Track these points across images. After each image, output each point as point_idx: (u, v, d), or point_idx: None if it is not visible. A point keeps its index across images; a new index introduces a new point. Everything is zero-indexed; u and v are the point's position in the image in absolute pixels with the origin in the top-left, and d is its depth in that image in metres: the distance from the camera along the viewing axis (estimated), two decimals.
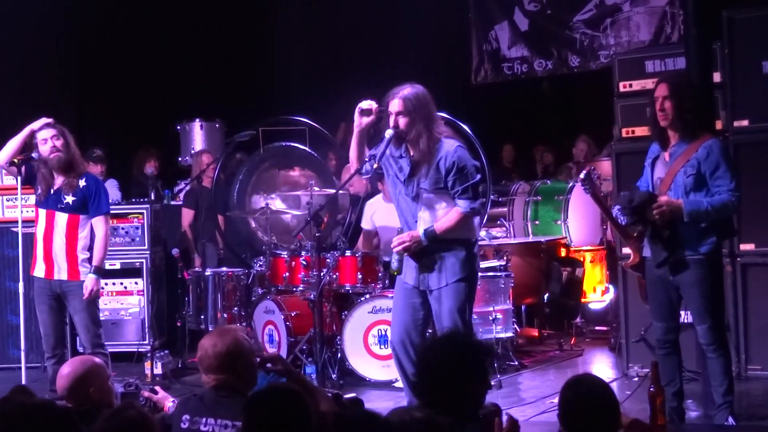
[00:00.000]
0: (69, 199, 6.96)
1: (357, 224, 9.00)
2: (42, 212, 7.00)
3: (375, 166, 5.93)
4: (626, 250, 6.75)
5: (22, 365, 7.00)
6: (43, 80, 11.26)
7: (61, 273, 6.97)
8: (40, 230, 7.01)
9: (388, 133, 5.88)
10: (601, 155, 10.54)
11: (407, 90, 5.89)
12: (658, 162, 6.03)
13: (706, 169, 5.78)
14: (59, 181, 6.96)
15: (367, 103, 5.94)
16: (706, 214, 5.76)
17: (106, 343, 7.27)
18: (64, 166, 6.94)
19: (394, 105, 5.89)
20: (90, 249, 7.03)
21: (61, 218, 6.96)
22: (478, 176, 5.99)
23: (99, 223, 7.00)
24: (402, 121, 5.88)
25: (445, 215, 5.92)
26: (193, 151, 10.48)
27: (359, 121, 5.94)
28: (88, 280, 6.91)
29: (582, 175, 6.18)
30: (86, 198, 6.98)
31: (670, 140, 5.93)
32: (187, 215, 9.87)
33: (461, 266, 5.94)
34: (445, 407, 3.79)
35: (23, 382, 6.92)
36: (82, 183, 6.98)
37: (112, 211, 8.93)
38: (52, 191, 6.98)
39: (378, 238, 8.72)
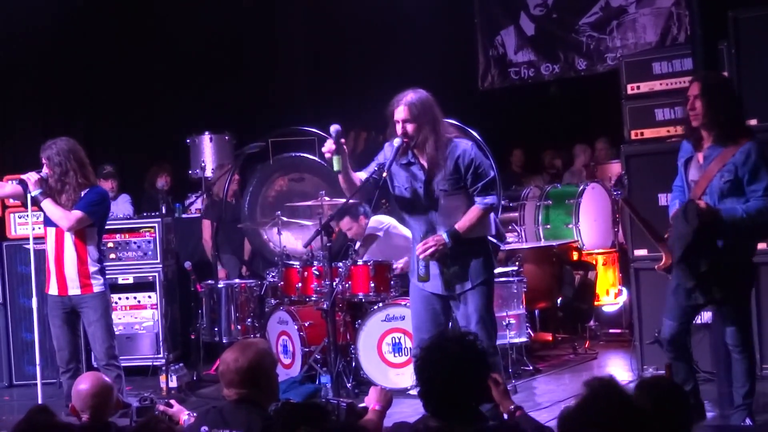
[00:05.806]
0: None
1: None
2: (51, 231, 6.99)
3: (384, 174, 5.94)
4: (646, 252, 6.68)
5: (38, 381, 7.03)
6: (53, 96, 11.33)
7: (73, 288, 6.97)
8: (50, 248, 7.01)
9: (396, 141, 5.90)
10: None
11: (410, 96, 5.91)
12: (691, 163, 5.86)
13: (743, 173, 5.62)
14: (62, 198, 6.92)
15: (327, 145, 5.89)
16: (741, 221, 5.61)
17: (121, 356, 7.27)
18: (54, 191, 6.91)
19: (400, 112, 5.90)
20: (100, 261, 7.04)
21: (68, 233, 6.95)
22: (492, 173, 6.07)
23: (76, 212, 6.85)
24: (409, 127, 5.89)
25: (464, 215, 5.94)
26: (203, 164, 10.50)
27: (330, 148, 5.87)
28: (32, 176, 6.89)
29: (613, 182, 6.14)
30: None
31: (704, 141, 5.76)
32: (210, 228, 9.78)
33: (483, 268, 6.00)
34: (451, 416, 3.82)
35: (39, 398, 6.95)
36: (82, 195, 6.93)
37: (123, 226, 9.04)
38: None
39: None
